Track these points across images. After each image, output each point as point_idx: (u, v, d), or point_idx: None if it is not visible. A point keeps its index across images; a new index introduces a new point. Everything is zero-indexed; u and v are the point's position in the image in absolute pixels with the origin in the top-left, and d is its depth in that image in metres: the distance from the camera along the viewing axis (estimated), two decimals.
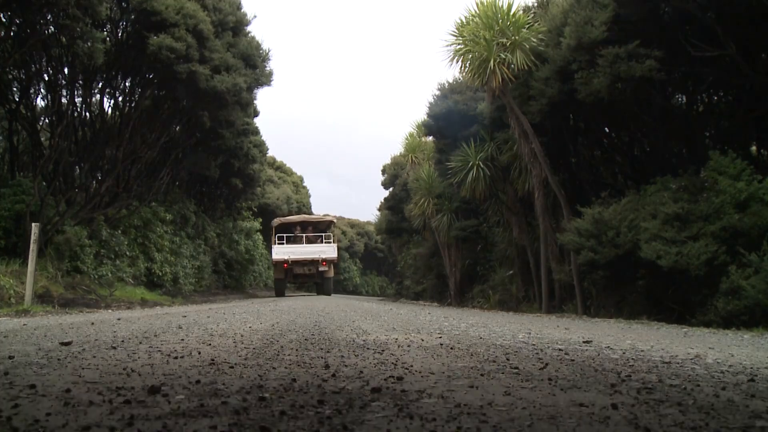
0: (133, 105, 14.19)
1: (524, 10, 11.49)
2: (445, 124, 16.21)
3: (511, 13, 10.83)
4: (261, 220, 30.91)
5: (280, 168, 41.94)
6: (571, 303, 10.94)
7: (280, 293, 23.78)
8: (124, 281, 14.28)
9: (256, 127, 24.29)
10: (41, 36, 10.90)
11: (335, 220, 29.34)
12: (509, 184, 13.49)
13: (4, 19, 11.41)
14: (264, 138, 25.60)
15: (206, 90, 12.75)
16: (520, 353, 2.87)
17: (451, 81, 16.92)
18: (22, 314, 6.76)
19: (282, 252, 24.00)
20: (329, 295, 25.01)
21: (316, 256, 23.86)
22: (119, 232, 14.81)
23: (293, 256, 23.70)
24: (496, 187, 14.20)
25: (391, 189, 29.30)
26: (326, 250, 24.25)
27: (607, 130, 11.98)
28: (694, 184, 8.48)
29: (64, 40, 11.03)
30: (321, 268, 23.78)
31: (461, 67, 11.17)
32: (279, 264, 23.97)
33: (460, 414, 1.66)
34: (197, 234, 21.42)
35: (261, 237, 30.95)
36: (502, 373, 2.30)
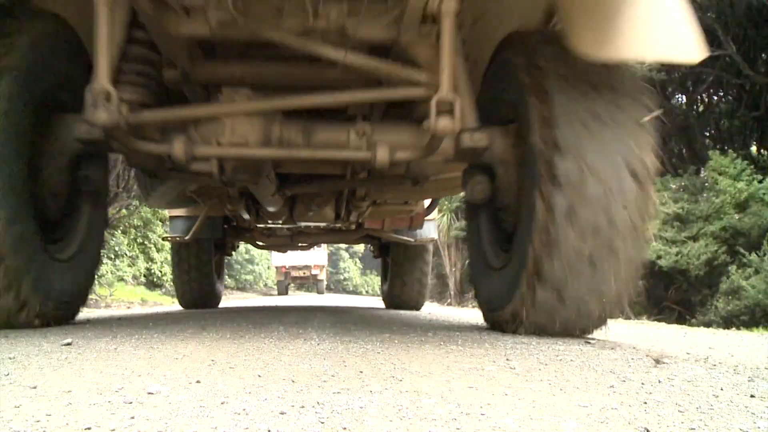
0: None
1: None
2: None
3: None
4: None
5: None
6: None
7: (281, 292, 29.77)
8: (124, 281, 14.30)
9: None
10: None
11: None
12: None
13: None
14: None
15: None
16: (519, 353, 2.87)
17: None
18: None
19: (281, 259, 29.96)
20: (322, 293, 32.25)
21: (309, 262, 30.15)
22: (119, 232, 14.82)
23: (290, 263, 29.67)
24: None
25: None
26: (317, 257, 30.51)
27: None
28: (694, 184, 8.50)
29: None
30: (314, 272, 30.34)
31: None
32: (279, 268, 29.57)
33: (459, 414, 1.66)
34: None
35: None
36: (502, 374, 2.30)
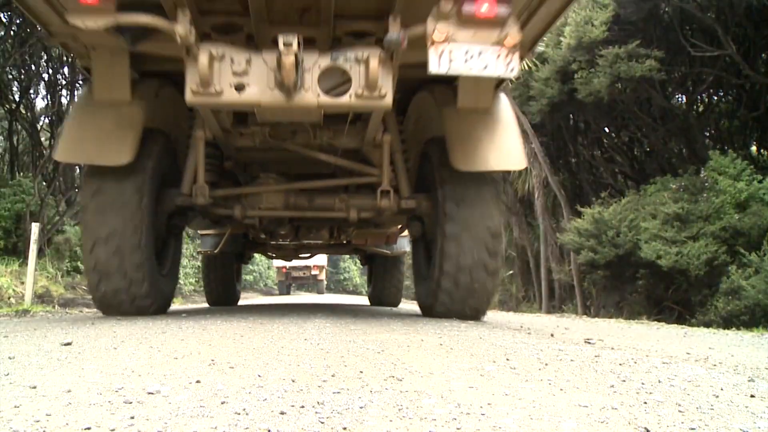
0: None
1: None
2: None
3: None
4: None
5: None
6: (571, 303, 10.95)
7: (282, 292, 31.07)
8: None
9: None
10: (41, 36, 10.90)
11: None
12: (509, 184, 13.49)
13: (4, 19, 11.41)
14: None
15: None
16: (519, 353, 2.87)
17: None
18: (22, 314, 6.77)
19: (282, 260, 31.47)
20: (322, 293, 33.24)
21: (309, 263, 31.17)
22: None
23: (290, 263, 30.44)
24: None
25: None
26: (317, 258, 31.34)
27: (607, 130, 11.97)
28: (694, 184, 8.49)
29: None
30: (313, 272, 31.10)
31: None
32: (279, 269, 30.87)
33: (460, 414, 1.66)
34: (197, 234, 21.45)
35: None
36: (502, 374, 2.30)
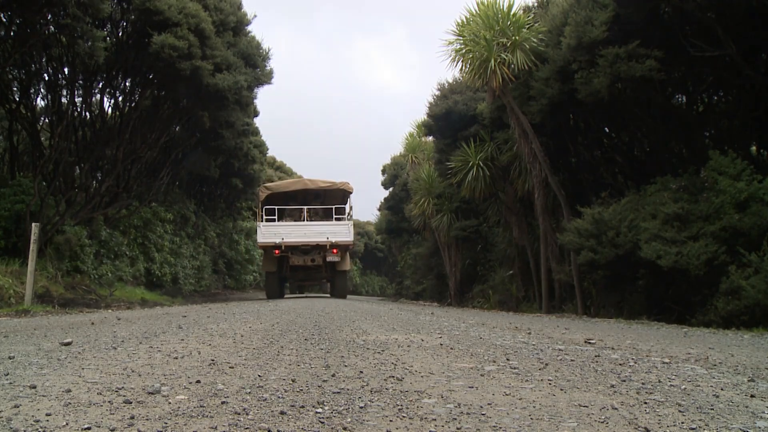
0: (133, 105, 14.15)
1: (524, 10, 11.45)
2: (445, 124, 16.18)
3: (512, 13, 10.79)
4: None
5: (280, 168, 41.99)
6: (571, 303, 10.93)
7: (293, 291, 34.70)
8: (124, 281, 14.26)
9: (256, 128, 24.34)
10: (41, 36, 10.88)
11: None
12: (509, 184, 13.47)
13: (4, 19, 11.40)
14: (264, 138, 26.18)
15: (208, 88, 12.70)
16: (520, 353, 2.87)
17: (451, 81, 16.86)
18: (22, 314, 6.76)
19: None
20: (325, 293, 36.68)
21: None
22: (119, 232, 14.78)
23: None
24: (496, 187, 14.19)
25: (391, 189, 29.40)
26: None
27: (607, 130, 11.94)
28: (694, 184, 8.46)
29: (64, 39, 11.00)
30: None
31: (462, 67, 11.15)
32: None
33: (460, 414, 1.66)
34: (197, 234, 21.44)
35: None
36: (502, 374, 2.30)
